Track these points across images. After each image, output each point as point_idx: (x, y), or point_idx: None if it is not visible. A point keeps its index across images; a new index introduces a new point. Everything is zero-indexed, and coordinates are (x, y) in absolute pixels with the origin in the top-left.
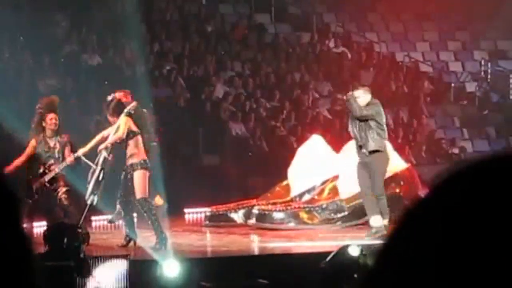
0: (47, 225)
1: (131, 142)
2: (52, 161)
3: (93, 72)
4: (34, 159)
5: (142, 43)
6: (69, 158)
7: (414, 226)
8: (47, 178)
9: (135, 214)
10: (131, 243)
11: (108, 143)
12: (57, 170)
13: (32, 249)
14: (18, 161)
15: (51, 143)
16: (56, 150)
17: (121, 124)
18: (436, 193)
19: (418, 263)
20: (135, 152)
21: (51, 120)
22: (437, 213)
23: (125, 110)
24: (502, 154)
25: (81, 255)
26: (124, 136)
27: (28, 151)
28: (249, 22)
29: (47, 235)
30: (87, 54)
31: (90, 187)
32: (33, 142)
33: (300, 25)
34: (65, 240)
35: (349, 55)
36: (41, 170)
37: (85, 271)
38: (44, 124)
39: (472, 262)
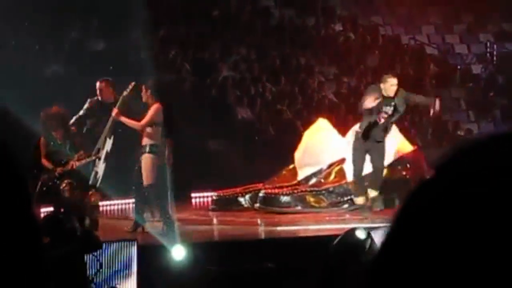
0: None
1: (148, 129)
2: (63, 158)
3: (98, 57)
4: (45, 154)
5: (147, 27)
6: (88, 159)
7: (419, 208)
8: (58, 173)
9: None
10: (139, 228)
11: (126, 122)
12: (73, 166)
13: (41, 233)
14: (44, 163)
15: (60, 142)
16: (68, 147)
17: (149, 113)
18: (441, 173)
19: (425, 245)
20: (149, 135)
21: (55, 135)
22: (442, 194)
23: (125, 91)
24: (506, 133)
25: (78, 233)
26: (143, 128)
27: (42, 151)
28: (254, 6)
29: (43, 227)
30: (92, 39)
31: (100, 172)
32: (42, 141)
33: (305, 9)
34: (61, 227)
35: (355, 39)
36: (51, 166)
37: (88, 249)
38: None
39: (480, 242)
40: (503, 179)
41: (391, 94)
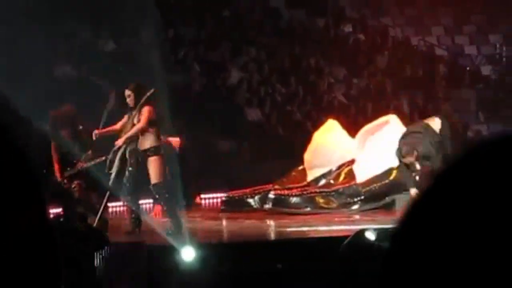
0: None
1: (150, 129)
2: (73, 158)
3: (108, 58)
4: (56, 156)
5: (157, 28)
6: (96, 160)
7: (427, 207)
8: (67, 174)
9: (149, 200)
10: (137, 230)
11: (129, 136)
12: (78, 168)
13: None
14: (56, 169)
15: (70, 143)
16: (76, 146)
17: (143, 114)
18: (450, 174)
19: (432, 245)
20: (151, 138)
21: (64, 134)
22: (450, 194)
23: (144, 98)
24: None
25: (81, 234)
26: (145, 126)
27: (54, 156)
28: (264, 7)
29: None
30: (102, 40)
31: (113, 174)
32: (54, 145)
33: (315, 10)
34: (61, 228)
35: (364, 40)
36: (60, 167)
37: (91, 247)
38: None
39: (488, 243)
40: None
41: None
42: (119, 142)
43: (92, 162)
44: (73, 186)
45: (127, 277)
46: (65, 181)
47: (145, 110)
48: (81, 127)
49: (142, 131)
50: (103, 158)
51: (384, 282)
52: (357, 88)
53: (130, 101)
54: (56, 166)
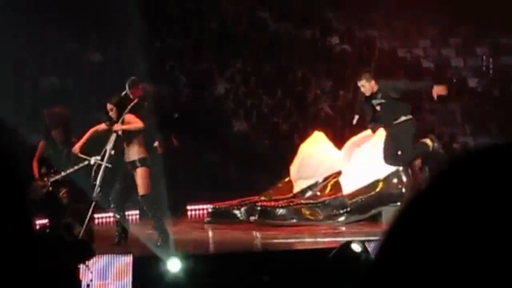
0: None
1: (134, 140)
2: (58, 164)
3: (95, 69)
4: (42, 160)
5: (143, 39)
6: (80, 164)
7: (414, 218)
8: (51, 179)
9: (136, 211)
10: (122, 241)
11: (126, 128)
12: (62, 173)
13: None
14: (34, 165)
15: (60, 147)
16: (64, 154)
17: (130, 120)
18: (436, 184)
19: (419, 256)
20: (137, 149)
21: (55, 135)
22: (436, 204)
23: (128, 109)
24: (501, 144)
25: (66, 243)
26: (143, 126)
27: (37, 154)
28: (251, 19)
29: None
30: (89, 51)
31: (98, 184)
32: (41, 144)
33: (302, 22)
34: (45, 239)
35: (351, 51)
36: (45, 171)
37: (76, 258)
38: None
39: (474, 254)
40: (501, 188)
41: (368, 93)
42: (116, 127)
43: (76, 167)
44: (61, 193)
45: None
46: (50, 188)
47: (130, 117)
48: (73, 140)
49: (128, 142)
50: (86, 162)
51: None
52: (343, 99)
53: (112, 114)
54: (36, 169)
